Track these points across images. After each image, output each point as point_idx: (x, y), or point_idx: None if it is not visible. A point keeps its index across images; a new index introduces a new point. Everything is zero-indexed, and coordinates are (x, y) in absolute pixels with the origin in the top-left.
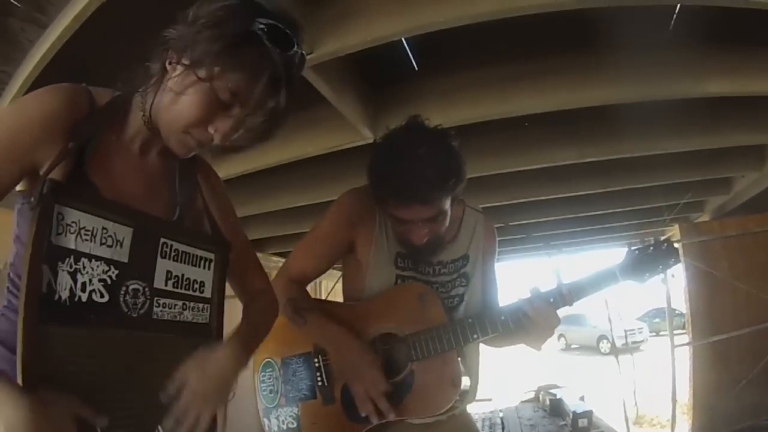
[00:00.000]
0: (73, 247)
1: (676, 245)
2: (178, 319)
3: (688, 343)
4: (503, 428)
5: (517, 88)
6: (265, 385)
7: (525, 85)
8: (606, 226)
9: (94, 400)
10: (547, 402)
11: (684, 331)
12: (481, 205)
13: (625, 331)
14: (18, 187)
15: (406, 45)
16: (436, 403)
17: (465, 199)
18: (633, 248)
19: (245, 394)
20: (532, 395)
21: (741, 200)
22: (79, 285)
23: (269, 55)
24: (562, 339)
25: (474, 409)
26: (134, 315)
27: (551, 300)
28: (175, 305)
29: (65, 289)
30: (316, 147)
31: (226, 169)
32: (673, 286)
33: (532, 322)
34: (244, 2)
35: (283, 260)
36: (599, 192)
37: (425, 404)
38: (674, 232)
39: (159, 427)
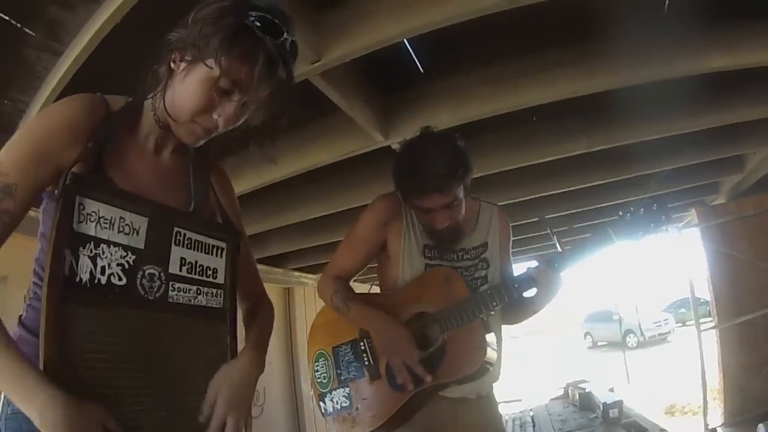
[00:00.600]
0: (93, 234)
1: (667, 208)
2: (192, 303)
3: (714, 327)
4: (534, 426)
5: (522, 82)
6: (318, 373)
7: (530, 78)
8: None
9: (112, 378)
10: (577, 397)
11: (710, 318)
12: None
13: (652, 323)
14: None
15: (409, 48)
16: (466, 365)
17: (480, 196)
18: (625, 212)
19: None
20: (561, 392)
21: (755, 178)
22: (98, 268)
23: (262, 43)
24: (588, 337)
25: (504, 410)
26: (151, 298)
27: (555, 265)
28: (190, 290)
29: (86, 272)
30: (331, 155)
31: (244, 183)
32: (695, 274)
33: (539, 285)
34: (236, 1)
35: (304, 275)
36: (611, 181)
37: (457, 367)
38: (691, 216)
39: None
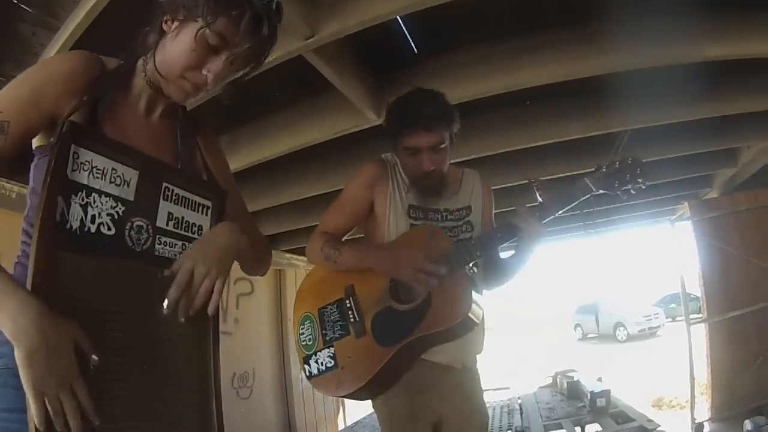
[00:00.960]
0: (85, 182)
1: (641, 162)
2: (178, 257)
3: (703, 320)
4: (522, 413)
5: (516, 63)
6: (304, 336)
7: (524, 59)
8: (616, 206)
9: (97, 327)
10: (565, 385)
11: (700, 315)
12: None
13: (642, 317)
14: (35, 143)
15: (403, 27)
16: (452, 315)
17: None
18: (601, 166)
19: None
20: (549, 381)
21: (749, 172)
22: (89, 217)
23: (248, 1)
24: (579, 329)
25: (492, 397)
26: (138, 249)
27: (536, 213)
28: (176, 244)
29: (76, 219)
30: (324, 133)
31: (236, 162)
32: (687, 268)
33: (522, 232)
34: None
35: (295, 257)
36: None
37: (444, 317)
38: (684, 210)
39: (164, 305)
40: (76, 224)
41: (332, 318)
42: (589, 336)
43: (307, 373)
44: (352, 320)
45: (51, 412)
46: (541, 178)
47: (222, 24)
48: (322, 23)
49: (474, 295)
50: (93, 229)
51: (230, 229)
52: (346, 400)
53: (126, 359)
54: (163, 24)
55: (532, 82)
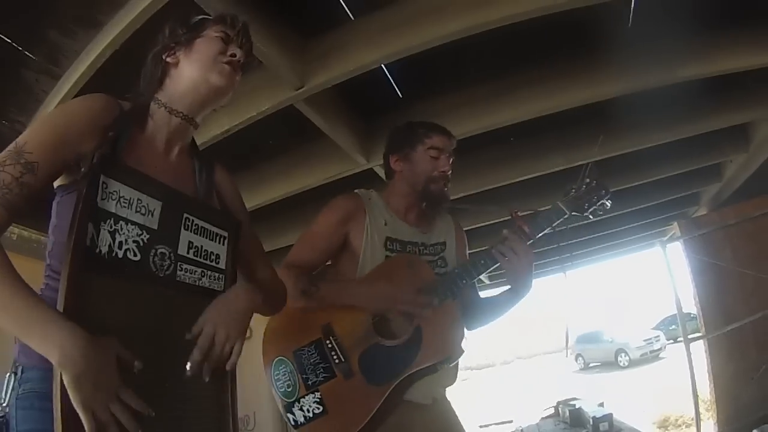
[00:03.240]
0: (113, 211)
1: (605, 185)
2: (197, 283)
3: (702, 337)
4: None
5: (499, 101)
6: (281, 382)
7: (504, 99)
8: (605, 233)
9: (122, 344)
10: (567, 414)
11: (700, 334)
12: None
13: (643, 341)
14: (57, 183)
15: (387, 74)
16: (448, 344)
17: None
18: (570, 188)
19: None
20: (552, 411)
21: (734, 186)
22: (116, 243)
23: (225, 13)
24: (580, 359)
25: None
26: (161, 275)
27: (516, 238)
28: (195, 271)
29: (105, 245)
30: (316, 178)
31: None
32: (682, 288)
33: (505, 258)
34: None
35: None
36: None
37: (439, 347)
38: (674, 230)
39: (188, 363)
40: (104, 249)
41: (312, 360)
42: (591, 365)
43: (293, 422)
44: (336, 361)
45: (104, 423)
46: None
47: (220, 26)
48: (310, 74)
49: (462, 324)
50: (120, 254)
51: (246, 292)
52: None
53: (146, 377)
54: (168, 58)
55: (513, 119)
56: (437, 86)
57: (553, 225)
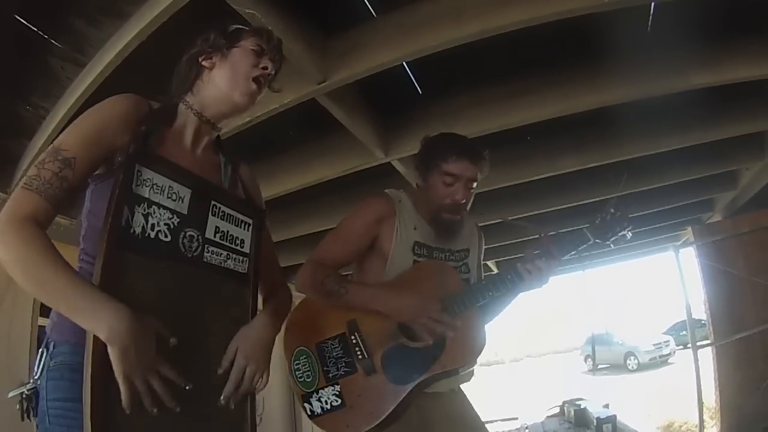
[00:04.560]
0: (147, 196)
1: (628, 216)
2: (223, 265)
3: (710, 344)
4: None
5: (511, 103)
6: (300, 372)
7: (521, 98)
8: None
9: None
10: (572, 413)
11: (709, 341)
12: (492, 221)
13: (653, 345)
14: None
15: (408, 71)
16: (471, 351)
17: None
18: (597, 216)
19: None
20: (557, 410)
21: (749, 194)
22: (149, 225)
23: (259, 26)
24: (589, 360)
25: (500, 428)
26: (189, 255)
27: (543, 258)
28: (221, 254)
29: (139, 226)
30: (334, 170)
31: None
32: (693, 293)
33: (531, 275)
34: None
35: None
36: (605, 198)
37: (461, 354)
38: (688, 235)
39: (221, 398)
40: (138, 230)
41: (335, 354)
42: (600, 367)
43: (309, 412)
44: (359, 357)
45: (141, 393)
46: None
47: (254, 39)
48: (332, 70)
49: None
50: (152, 235)
51: (272, 322)
52: None
53: (174, 349)
54: (204, 62)
55: (526, 120)
56: (455, 84)
57: (578, 249)
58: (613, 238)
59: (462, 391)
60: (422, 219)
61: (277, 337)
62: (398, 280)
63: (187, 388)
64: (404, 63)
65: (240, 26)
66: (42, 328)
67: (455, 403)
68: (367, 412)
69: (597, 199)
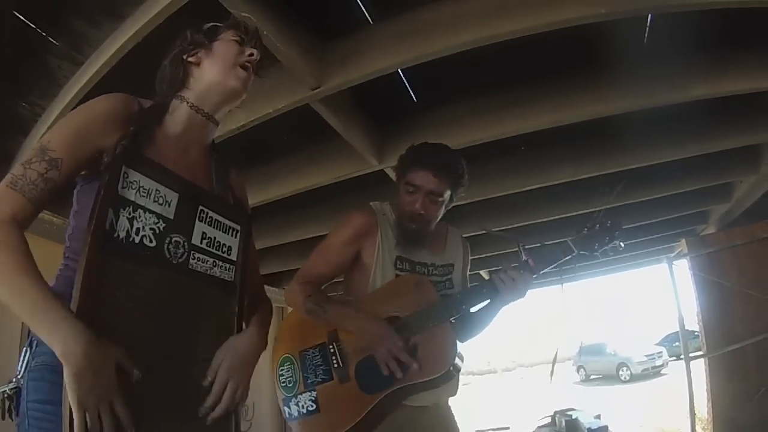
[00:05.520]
0: (132, 199)
1: (620, 227)
2: (209, 272)
3: (702, 355)
4: None
5: (508, 112)
6: (284, 377)
7: (517, 107)
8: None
9: (133, 326)
10: (563, 423)
11: (701, 353)
12: (478, 232)
13: (645, 356)
14: None
15: (404, 79)
16: (437, 365)
17: (462, 222)
18: (584, 226)
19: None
20: (548, 420)
21: (743, 207)
22: (134, 229)
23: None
24: (582, 370)
25: None
26: (174, 262)
27: (520, 270)
28: (207, 261)
29: (123, 230)
30: (327, 177)
31: None
32: (686, 306)
33: (505, 288)
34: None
35: None
36: (598, 210)
37: (429, 367)
38: (681, 247)
39: (202, 408)
40: (122, 234)
41: (314, 362)
42: (592, 377)
43: (287, 415)
44: (335, 366)
45: (89, 425)
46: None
47: (235, 30)
48: (327, 76)
49: (457, 345)
50: (137, 240)
51: (257, 337)
52: None
53: (155, 357)
54: (189, 58)
55: (522, 130)
56: (451, 92)
57: (559, 262)
58: (601, 249)
59: (449, 407)
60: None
61: (270, 348)
62: (376, 293)
63: None
64: (399, 70)
65: (215, 23)
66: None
67: (440, 419)
68: (338, 418)
69: (593, 210)
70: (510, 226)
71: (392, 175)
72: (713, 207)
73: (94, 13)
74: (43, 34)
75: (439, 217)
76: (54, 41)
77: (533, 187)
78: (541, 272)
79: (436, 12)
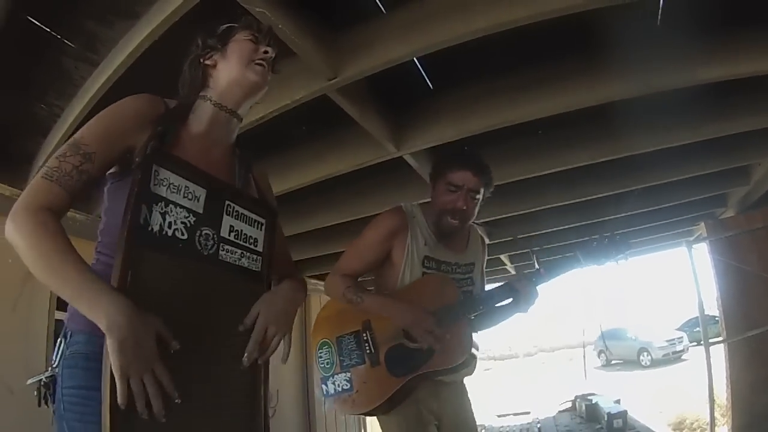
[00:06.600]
0: (164, 195)
1: (627, 241)
2: (237, 263)
3: (722, 341)
4: None
5: (523, 96)
6: (322, 359)
7: (530, 92)
8: (632, 229)
9: (165, 313)
10: (584, 408)
11: (721, 338)
12: (495, 216)
13: (666, 341)
14: (108, 171)
15: (419, 65)
16: (456, 356)
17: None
18: (592, 238)
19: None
20: (569, 405)
21: (762, 190)
22: (166, 223)
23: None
24: (603, 355)
25: (512, 421)
26: (205, 253)
27: (532, 279)
28: (235, 252)
29: (156, 224)
30: (346, 164)
31: None
32: (706, 290)
33: (519, 294)
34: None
35: (320, 283)
36: (616, 193)
37: (448, 357)
38: (701, 230)
39: (245, 355)
40: (156, 228)
41: (349, 347)
42: (613, 362)
43: (324, 393)
44: (368, 351)
45: (135, 392)
46: (536, 249)
47: (248, 30)
48: (342, 66)
49: (473, 337)
50: (170, 233)
51: (294, 290)
52: (367, 420)
53: (186, 343)
54: (206, 61)
55: (538, 114)
56: (466, 77)
57: (566, 272)
58: (607, 263)
59: (464, 385)
60: (433, 234)
61: (294, 337)
62: (406, 289)
63: (177, 401)
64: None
65: (228, 24)
66: (59, 321)
67: (456, 393)
68: (369, 396)
69: (607, 193)
70: (525, 211)
71: (410, 161)
72: (732, 190)
73: (105, 12)
74: (58, 36)
75: (475, 215)
76: (69, 43)
77: (547, 171)
78: (549, 281)
79: None
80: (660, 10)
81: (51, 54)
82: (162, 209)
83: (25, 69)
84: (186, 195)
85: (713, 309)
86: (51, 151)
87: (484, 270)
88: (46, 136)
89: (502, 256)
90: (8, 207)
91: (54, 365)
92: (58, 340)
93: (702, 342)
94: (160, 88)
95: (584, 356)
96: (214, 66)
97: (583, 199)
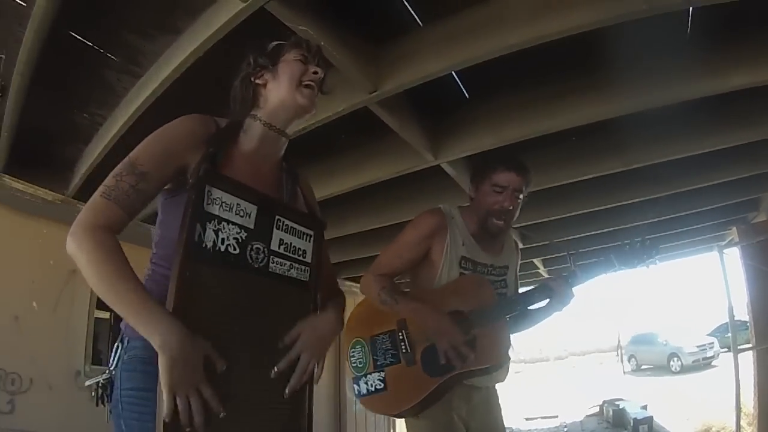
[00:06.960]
0: (217, 213)
1: (657, 246)
2: (286, 274)
3: (751, 348)
4: None
5: (559, 105)
6: (354, 358)
7: (566, 101)
8: (664, 234)
9: (220, 324)
10: (611, 413)
11: (750, 345)
12: (531, 221)
13: (696, 347)
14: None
15: (455, 76)
16: (493, 357)
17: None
18: (625, 242)
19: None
20: (596, 409)
21: None
22: (219, 239)
23: (303, 40)
24: (633, 360)
25: (540, 425)
26: (256, 266)
27: (568, 279)
28: (285, 264)
29: (210, 241)
30: (386, 172)
31: None
32: (737, 296)
33: (554, 294)
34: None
35: (355, 285)
36: (649, 199)
37: (485, 358)
38: (732, 235)
39: (275, 368)
40: (210, 244)
41: (384, 346)
42: (642, 367)
43: (356, 392)
44: (403, 351)
45: (180, 408)
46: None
47: (298, 50)
48: (382, 80)
49: (510, 339)
50: (223, 248)
51: (335, 320)
52: (397, 421)
53: (238, 351)
54: (257, 80)
55: (573, 123)
56: (502, 87)
57: (600, 275)
58: (640, 265)
59: (495, 390)
60: (470, 236)
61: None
62: (442, 289)
63: (221, 416)
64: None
65: (278, 42)
66: (98, 320)
67: (487, 399)
68: (403, 396)
69: (642, 198)
70: (559, 216)
71: (447, 169)
72: (764, 194)
73: (146, 27)
74: (100, 50)
75: (517, 215)
76: (111, 56)
77: (582, 178)
78: (585, 282)
79: (482, 12)
80: (689, 21)
81: (93, 66)
82: (215, 227)
83: (68, 79)
84: (237, 212)
85: (744, 315)
86: (95, 158)
87: (518, 273)
88: (88, 144)
89: (535, 260)
90: (50, 210)
91: (111, 368)
92: (115, 344)
93: (731, 348)
94: (204, 102)
95: (620, 359)
96: (265, 85)
97: (616, 204)
